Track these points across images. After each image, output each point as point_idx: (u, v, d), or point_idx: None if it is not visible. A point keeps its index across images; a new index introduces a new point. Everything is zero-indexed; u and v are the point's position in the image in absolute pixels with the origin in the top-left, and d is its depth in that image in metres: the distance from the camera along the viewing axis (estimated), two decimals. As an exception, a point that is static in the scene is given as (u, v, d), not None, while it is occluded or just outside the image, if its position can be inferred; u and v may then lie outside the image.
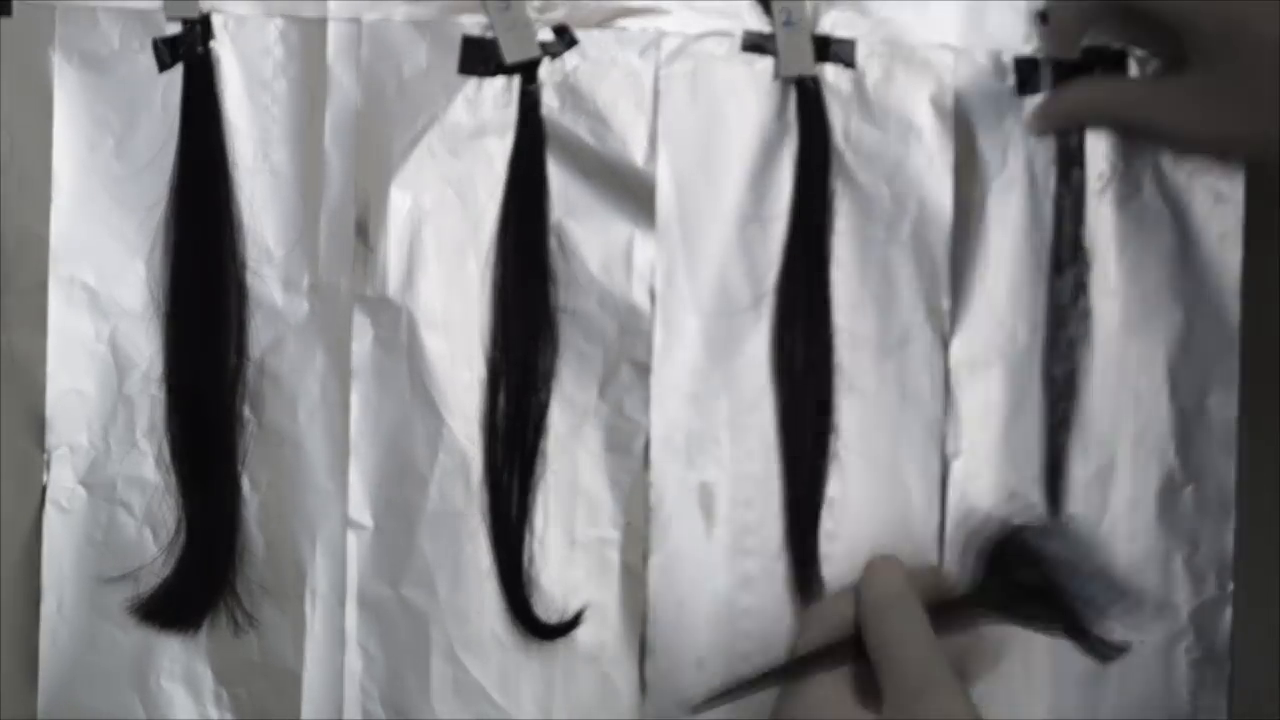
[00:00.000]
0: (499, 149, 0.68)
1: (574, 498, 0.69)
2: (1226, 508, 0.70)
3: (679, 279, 0.69)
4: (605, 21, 0.69)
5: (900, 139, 0.69)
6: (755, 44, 0.69)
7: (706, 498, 0.69)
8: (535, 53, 0.68)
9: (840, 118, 0.69)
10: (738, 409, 0.69)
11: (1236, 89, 0.65)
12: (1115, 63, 0.70)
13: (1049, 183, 0.70)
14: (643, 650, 0.69)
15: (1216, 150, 0.69)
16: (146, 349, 0.68)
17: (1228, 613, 0.70)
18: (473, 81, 0.68)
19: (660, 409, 0.69)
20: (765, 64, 0.69)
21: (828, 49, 0.69)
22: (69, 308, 0.67)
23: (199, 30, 0.67)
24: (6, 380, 0.67)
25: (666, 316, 0.69)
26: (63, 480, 0.67)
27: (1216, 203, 0.70)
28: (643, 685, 0.69)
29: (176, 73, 0.68)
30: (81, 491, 0.68)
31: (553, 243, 0.68)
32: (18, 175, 0.67)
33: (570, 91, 0.69)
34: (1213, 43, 0.65)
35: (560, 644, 0.69)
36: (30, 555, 0.67)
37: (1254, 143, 0.66)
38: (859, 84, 0.69)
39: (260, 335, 0.68)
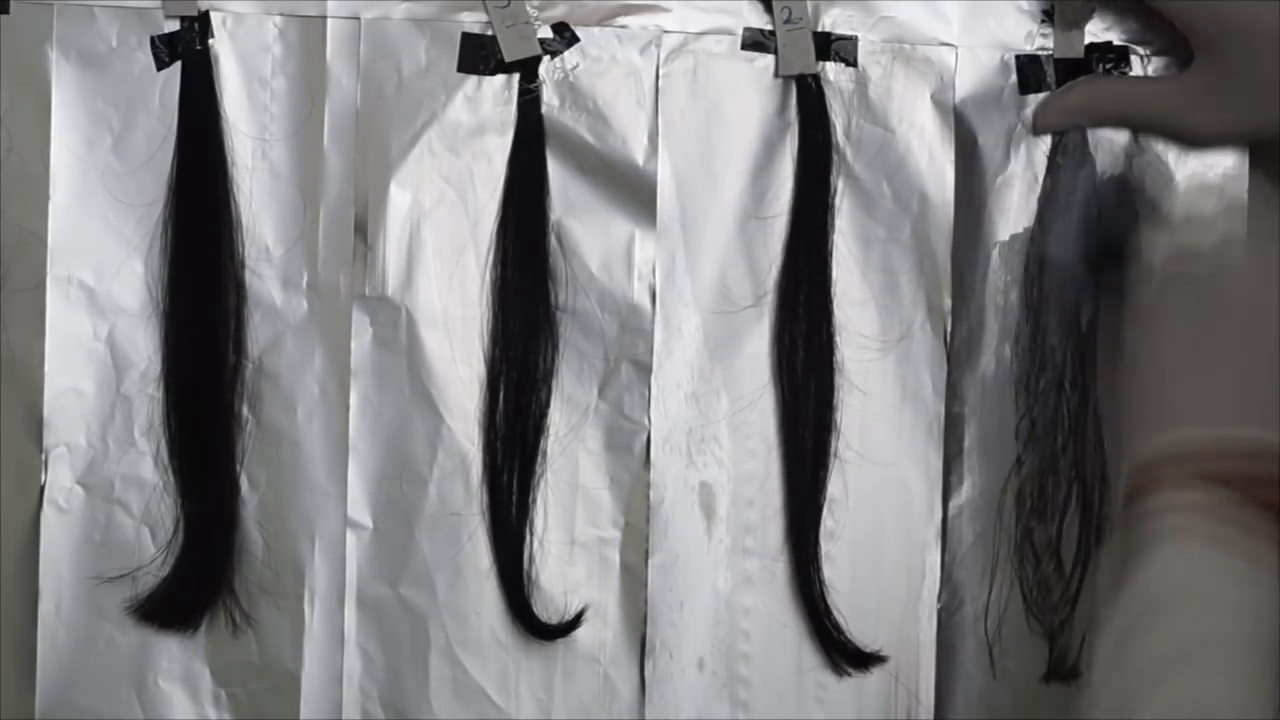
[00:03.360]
0: (498, 147, 0.68)
1: (574, 498, 0.68)
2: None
3: (679, 277, 0.69)
4: (605, 19, 0.68)
5: (902, 137, 0.69)
6: (756, 42, 0.69)
7: (707, 497, 0.69)
8: (535, 50, 0.68)
9: (841, 116, 0.69)
10: (738, 408, 0.69)
11: (1239, 82, 0.65)
12: (1118, 60, 0.70)
13: (1050, 181, 0.70)
14: (643, 650, 0.69)
15: (1222, 143, 0.69)
16: (145, 348, 0.67)
17: (1229, 612, 0.70)
18: (472, 79, 0.68)
19: (660, 408, 0.69)
20: (766, 62, 0.69)
21: (829, 47, 0.69)
22: (67, 306, 0.67)
23: (197, 28, 0.67)
24: (4, 379, 0.67)
25: (667, 315, 0.69)
26: (61, 480, 0.67)
27: (1220, 201, 0.70)
28: (643, 685, 0.69)
29: (175, 70, 0.67)
30: (79, 491, 0.67)
31: (552, 241, 0.68)
32: (16, 173, 0.67)
33: (570, 89, 0.68)
34: (1213, 38, 0.65)
35: (560, 644, 0.68)
36: (28, 555, 0.67)
37: (1258, 133, 0.67)
38: (860, 82, 0.69)
39: (259, 334, 0.68)
